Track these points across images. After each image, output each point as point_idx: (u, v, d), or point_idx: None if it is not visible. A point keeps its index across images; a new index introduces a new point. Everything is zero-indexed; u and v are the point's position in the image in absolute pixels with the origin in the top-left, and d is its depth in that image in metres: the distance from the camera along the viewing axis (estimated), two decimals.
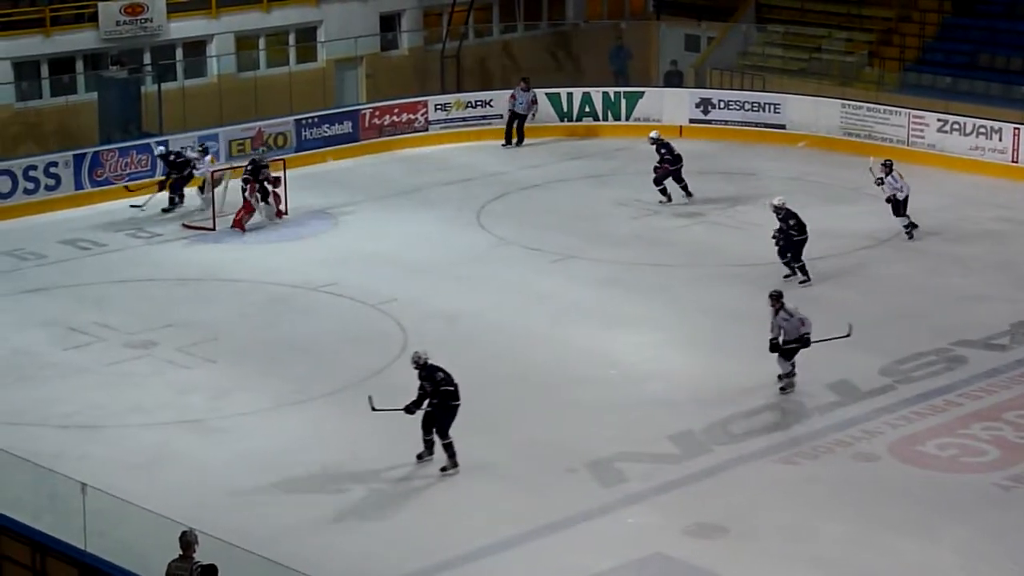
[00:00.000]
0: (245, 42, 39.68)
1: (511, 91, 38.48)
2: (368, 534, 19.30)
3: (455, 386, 21.00)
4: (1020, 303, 27.36)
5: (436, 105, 39.14)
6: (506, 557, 18.72)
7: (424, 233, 31.70)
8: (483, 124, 39.28)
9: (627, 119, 39.37)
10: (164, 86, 36.95)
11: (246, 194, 31.65)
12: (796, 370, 23.58)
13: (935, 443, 21.95)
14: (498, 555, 18.79)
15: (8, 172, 32.87)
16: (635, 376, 24.25)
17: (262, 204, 31.95)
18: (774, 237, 28.39)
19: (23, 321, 26.71)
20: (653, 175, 33.28)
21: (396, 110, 38.65)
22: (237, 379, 24.01)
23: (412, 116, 38.81)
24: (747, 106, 39.07)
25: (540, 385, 23.94)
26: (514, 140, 38.26)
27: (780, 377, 23.59)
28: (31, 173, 33.11)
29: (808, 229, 28.28)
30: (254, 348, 25.51)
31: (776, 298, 23.51)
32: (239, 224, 31.67)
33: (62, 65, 36.89)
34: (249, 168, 31.93)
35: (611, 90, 39.88)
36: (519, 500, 20.17)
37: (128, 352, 25.25)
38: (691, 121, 39.27)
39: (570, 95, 39.73)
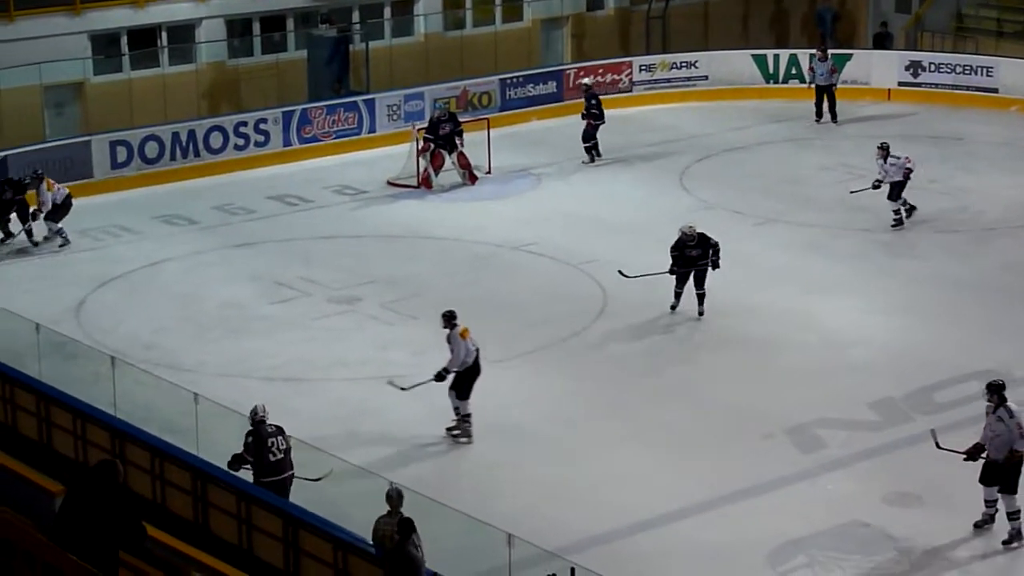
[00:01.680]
0: (452, 1, 39.90)
1: (808, 64, 37.37)
2: (563, 495, 19.39)
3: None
4: None
5: (641, 66, 39.05)
6: (702, 520, 18.71)
7: (626, 194, 31.69)
8: (688, 85, 39.11)
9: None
10: (372, 44, 37.36)
11: (424, 153, 31.94)
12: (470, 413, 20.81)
13: None
14: (694, 518, 18.78)
15: (219, 128, 33.59)
16: (836, 342, 24.02)
17: (449, 159, 32.21)
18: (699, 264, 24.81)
19: (231, 275, 27.29)
20: (583, 128, 33.48)
21: (600, 70, 38.62)
22: (438, 336, 24.22)
23: (616, 76, 38.76)
24: (958, 69, 38.31)
25: (739, 349, 23.82)
26: (825, 115, 36.54)
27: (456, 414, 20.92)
28: (241, 129, 33.78)
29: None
30: (456, 305, 25.57)
31: (448, 318, 20.87)
32: (425, 182, 31.97)
33: (273, 23, 37.47)
34: (427, 127, 32.24)
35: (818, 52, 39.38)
36: (717, 464, 20.12)
37: (332, 307, 25.68)
38: (900, 84, 38.66)
39: (776, 57, 39.33)
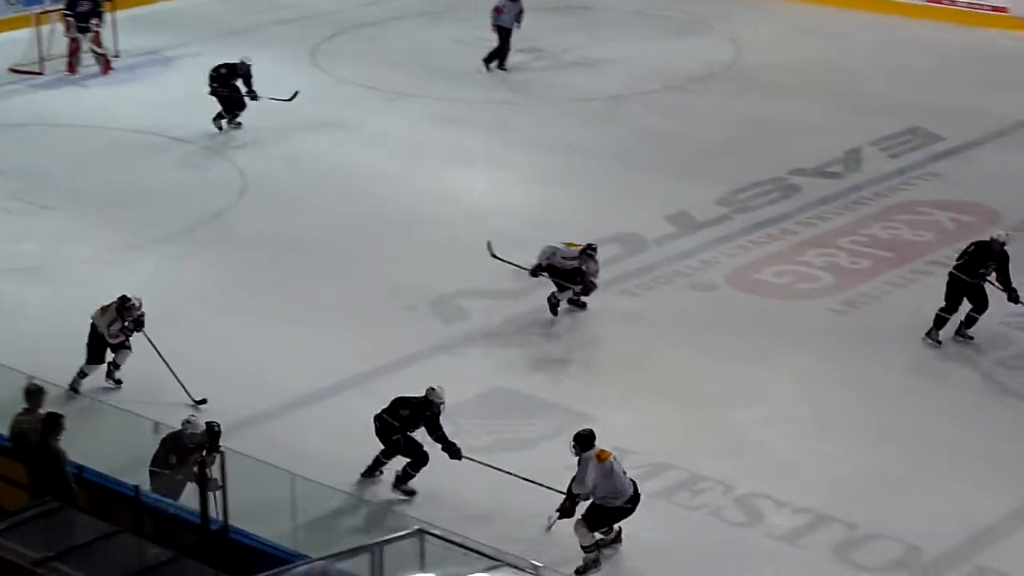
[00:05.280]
0: None
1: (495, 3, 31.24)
2: (213, 373, 19.13)
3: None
4: (854, 131, 27.73)
5: None
6: (351, 395, 18.79)
7: (259, 74, 31.18)
8: None
9: None
10: None
11: (67, 33, 30.95)
12: None
13: (771, 271, 22.34)
14: (342, 393, 18.86)
15: None
16: (477, 213, 24.28)
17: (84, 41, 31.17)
18: None
19: None
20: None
21: None
22: (74, 226, 23.68)
23: None
24: None
25: (383, 224, 23.88)
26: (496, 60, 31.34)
27: None
28: None
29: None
30: (91, 194, 25.14)
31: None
32: (71, 67, 31.03)
33: None
34: (66, 4, 31.12)
35: None
36: (365, 339, 20.20)
37: None
38: None
39: None
